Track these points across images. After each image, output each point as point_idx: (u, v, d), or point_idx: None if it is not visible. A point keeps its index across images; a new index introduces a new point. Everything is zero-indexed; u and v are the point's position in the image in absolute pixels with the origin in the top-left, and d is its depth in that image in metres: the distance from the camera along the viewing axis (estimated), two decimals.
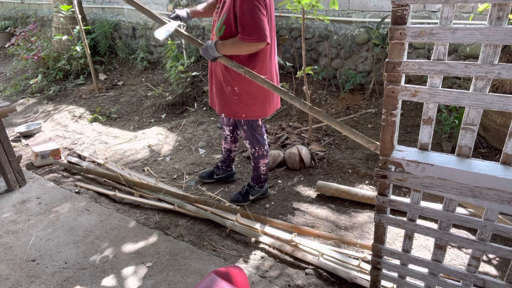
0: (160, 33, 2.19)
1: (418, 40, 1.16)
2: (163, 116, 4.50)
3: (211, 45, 2.14)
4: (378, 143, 1.45)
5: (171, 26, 2.24)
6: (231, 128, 2.70)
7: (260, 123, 2.48)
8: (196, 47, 2.32)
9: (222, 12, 2.17)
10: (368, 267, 1.96)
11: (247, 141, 2.52)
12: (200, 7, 2.50)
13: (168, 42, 4.71)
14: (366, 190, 2.72)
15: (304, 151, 3.11)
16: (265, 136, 2.54)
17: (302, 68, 3.19)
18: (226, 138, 2.76)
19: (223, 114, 2.43)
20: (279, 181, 2.96)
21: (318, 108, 4.13)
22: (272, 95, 2.43)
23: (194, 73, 4.73)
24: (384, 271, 1.62)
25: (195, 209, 2.53)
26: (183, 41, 5.17)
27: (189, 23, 5.43)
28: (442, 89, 1.20)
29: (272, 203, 2.69)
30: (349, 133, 1.75)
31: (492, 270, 2.02)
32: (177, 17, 2.36)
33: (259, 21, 2.02)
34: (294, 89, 4.27)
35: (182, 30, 2.29)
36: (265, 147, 2.55)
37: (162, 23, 2.25)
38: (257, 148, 2.52)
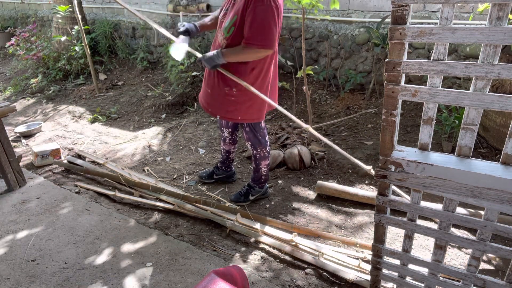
0: (177, 54, 2.25)
1: (418, 40, 1.16)
2: (163, 116, 4.50)
3: (216, 53, 2.12)
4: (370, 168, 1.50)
5: (184, 46, 2.29)
6: (230, 130, 2.69)
7: (262, 124, 2.47)
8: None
9: (231, 13, 2.13)
10: (368, 267, 1.96)
11: (249, 143, 2.52)
12: (207, 19, 2.49)
13: (171, 41, 4.71)
14: (366, 190, 2.72)
15: (304, 151, 3.11)
16: (267, 138, 2.53)
17: (302, 68, 3.19)
18: (225, 140, 2.76)
19: (218, 116, 2.41)
20: (279, 181, 2.96)
21: (318, 108, 4.14)
22: (273, 96, 2.42)
23: (194, 73, 4.73)
24: (384, 271, 1.62)
25: (195, 209, 2.53)
26: None
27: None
28: (442, 89, 1.20)
29: (272, 203, 2.69)
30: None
31: (492, 270, 2.02)
32: (186, 32, 2.36)
33: (269, 28, 1.99)
34: (294, 89, 4.27)
35: (189, 48, 2.33)
36: (267, 149, 2.54)
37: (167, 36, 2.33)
38: (258, 150, 2.52)
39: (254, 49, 2.04)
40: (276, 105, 2.24)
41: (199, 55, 2.25)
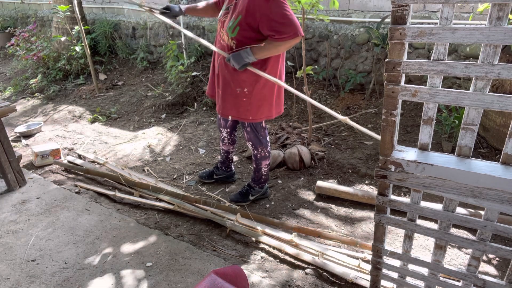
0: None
1: (418, 40, 1.16)
2: (163, 116, 4.50)
3: (245, 52, 2.09)
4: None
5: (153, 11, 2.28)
6: (228, 130, 2.69)
7: (263, 124, 2.47)
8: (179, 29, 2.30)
9: (235, 13, 2.12)
10: (368, 267, 1.96)
11: (250, 143, 2.52)
12: (199, 5, 2.49)
13: (170, 42, 4.72)
14: (366, 190, 2.72)
15: (304, 151, 3.11)
16: (267, 138, 2.54)
17: (302, 68, 3.19)
18: (223, 140, 2.76)
19: (230, 117, 2.40)
20: (279, 181, 2.96)
21: (318, 108, 4.13)
22: (280, 98, 2.42)
23: (194, 73, 4.73)
24: (384, 271, 1.62)
25: (195, 209, 2.53)
26: (183, 40, 5.17)
27: (189, 23, 5.42)
28: (442, 89, 1.20)
29: (272, 203, 2.69)
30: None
31: (492, 270, 2.02)
32: (167, 8, 2.38)
33: (290, 17, 2.00)
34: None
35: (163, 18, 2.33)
36: (268, 149, 2.54)
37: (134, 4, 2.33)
38: (259, 150, 2.52)
39: (286, 41, 2.03)
40: (309, 99, 2.17)
41: (164, 18, 2.24)
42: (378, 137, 1.83)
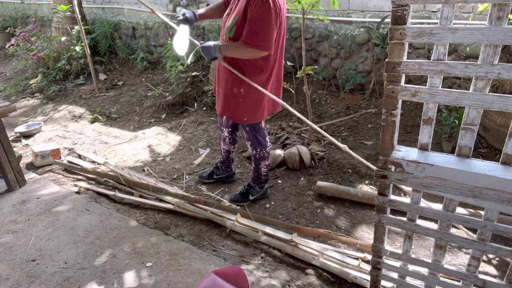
0: (180, 49, 2.25)
1: (418, 40, 1.16)
2: (163, 116, 4.50)
3: (214, 45, 2.14)
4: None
5: (184, 36, 2.27)
6: (230, 129, 2.69)
7: (262, 125, 2.47)
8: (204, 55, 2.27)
9: (234, 13, 2.13)
10: (368, 267, 1.96)
11: (249, 142, 2.52)
12: (208, 9, 2.47)
13: (168, 42, 4.72)
14: (366, 190, 2.72)
15: (304, 151, 3.11)
16: (267, 138, 2.54)
17: (302, 68, 3.19)
18: (224, 139, 2.76)
19: (224, 117, 2.40)
20: (279, 181, 2.96)
21: (318, 108, 4.13)
22: (271, 99, 2.42)
23: (194, 73, 4.73)
24: (384, 271, 1.62)
25: (195, 209, 2.53)
26: None
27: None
28: (442, 89, 1.20)
29: (272, 203, 2.69)
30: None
31: (492, 270, 2.02)
32: (185, 20, 2.32)
33: (267, 30, 2.00)
34: (294, 89, 4.27)
35: (191, 38, 2.30)
36: (267, 149, 2.54)
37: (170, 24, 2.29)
38: (258, 150, 2.52)
39: (250, 48, 2.04)
40: (307, 120, 2.15)
41: (199, 44, 2.25)
42: (373, 167, 1.85)
